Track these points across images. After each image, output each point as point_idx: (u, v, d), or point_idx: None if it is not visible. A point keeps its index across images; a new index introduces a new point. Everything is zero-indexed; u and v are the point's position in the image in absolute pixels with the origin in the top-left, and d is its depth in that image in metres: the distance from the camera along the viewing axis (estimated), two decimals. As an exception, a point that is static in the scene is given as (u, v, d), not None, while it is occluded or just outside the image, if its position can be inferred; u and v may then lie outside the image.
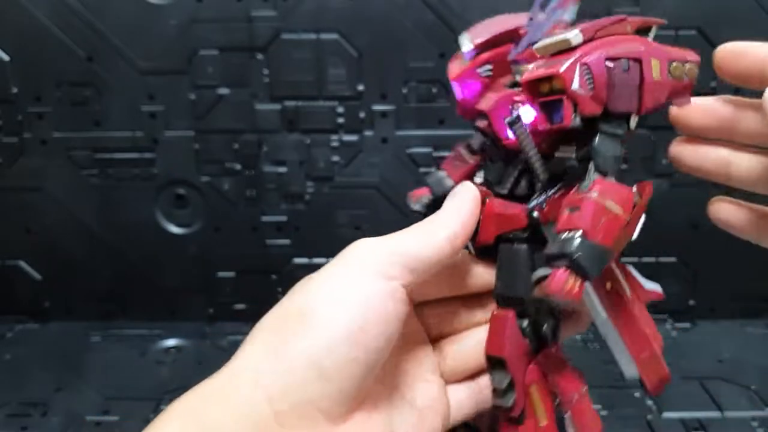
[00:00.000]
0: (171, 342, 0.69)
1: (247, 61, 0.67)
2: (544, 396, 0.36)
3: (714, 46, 0.64)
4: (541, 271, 0.33)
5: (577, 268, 0.30)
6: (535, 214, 0.34)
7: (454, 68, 0.37)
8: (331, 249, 0.34)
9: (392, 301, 0.31)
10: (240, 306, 0.73)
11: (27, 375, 0.63)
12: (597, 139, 0.32)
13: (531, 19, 0.35)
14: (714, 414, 0.55)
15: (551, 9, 0.35)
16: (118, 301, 0.74)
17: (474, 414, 0.37)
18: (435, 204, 0.37)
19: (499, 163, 0.36)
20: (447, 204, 0.34)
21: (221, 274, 0.73)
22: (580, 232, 0.31)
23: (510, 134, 0.34)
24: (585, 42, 0.32)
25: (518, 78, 0.35)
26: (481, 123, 0.36)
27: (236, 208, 0.71)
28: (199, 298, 0.73)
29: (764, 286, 0.71)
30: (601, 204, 0.31)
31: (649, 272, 0.73)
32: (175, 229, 0.72)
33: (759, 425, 0.54)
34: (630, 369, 0.36)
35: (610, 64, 0.32)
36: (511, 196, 0.36)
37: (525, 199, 0.35)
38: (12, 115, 0.69)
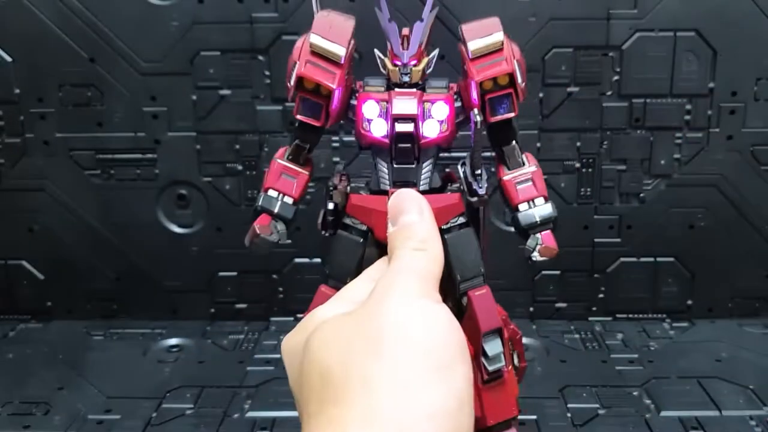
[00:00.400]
0: (172, 341, 0.70)
1: (248, 63, 0.67)
2: (508, 345, 0.41)
3: (712, 47, 0.64)
4: (531, 242, 0.38)
5: (555, 226, 0.38)
6: (486, 196, 0.38)
7: (324, 75, 0.38)
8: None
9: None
10: (241, 305, 0.74)
11: (29, 374, 0.64)
12: (514, 123, 0.39)
13: (389, 21, 0.38)
14: (712, 413, 0.56)
15: (428, 11, 0.39)
16: (120, 301, 0.74)
17: None
18: (288, 228, 0.40)
19: (411, 165, 0.39)
20: (409, 215, 0.34)
21: (222, 273, 0.73)
22: (542, 199, 0.39)
23: (432, 132, 0.38)
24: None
25: (406, 79, 0.38)
26: (405, 126, 0.37)
27: (237, 208, 0.71)
28: (201, 297, 0.74)
29: (762, 285, 0.72)
30: (540, 171, 0.40)
31: (648, 272, 0.74)
32: (176, 229, 0.72)
33: (757, 424, 0.54)
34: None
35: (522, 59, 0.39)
36: (429, 191, 0.39)
37: (440, 190, 0.39)
38: (14, 115, 0.69)
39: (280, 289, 0.73)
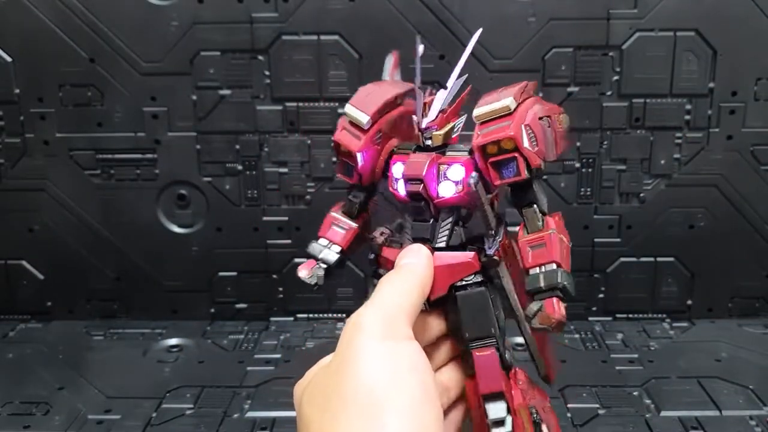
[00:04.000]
0: (173, 341, 0.70)
1: (248, 63, 0.67)
2: (528, 414, 0.40)
3: (712, 47, 0.64)
4: (534, 305, 0.37)
5: (565, 294, 0.36)
6: (496, 257, 0.38)
7: (351, 140, 0.41)
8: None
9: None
10: (241, 305, 0.74)
11: (29, 374, 0.64)
12: (535, 186, 0.38)
13: (419, 88, 0.38)
14: (712, 413, 0.56)
15: (454, 81, 0.39)
16: (120, 301, 0.74)
17: None
18: (329, 271, 0.42)
19: (427, 222, 0.40)
20: (407, 259, 0.37)
21: (222, 273, 0.73)
22: (554, 265, 0.37)
23: (447, 192, 0.39)
24: (518, 106, 0.38)
25: (429, 143, 0.39)
26: (413, 187, 0.39)
27: (238, 208, 0.71)
28: (201, 297, 0.74)
29: (761, 285, 0.72)
30: (559, 237, 0.38)
31: (647, 272, 0.74)
32: (176, 229, 0.72)
33: (756, 424, 0.54)
34: (542, 368, 0.43)
35: (541, 122, 0.38)
36: (447, 248, 0.39)
37: (460, 248, 0.39)
38: (14, 115, 0.69)
39: (280, 289, 0.73)
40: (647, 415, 0.55)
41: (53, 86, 0.68)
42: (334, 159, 0.43)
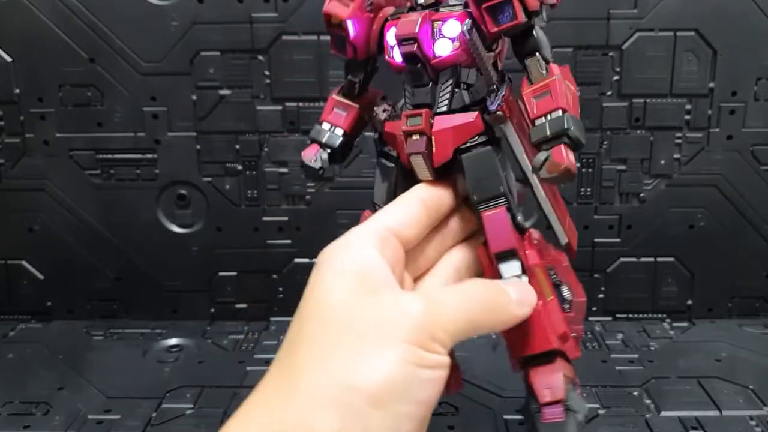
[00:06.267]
0: (173, 341, 0.70)
1: (248, 63, 0.67)
2: (545, 274, 0.38)
3: (712, 47, 0.64)
4: (541, 155, 0.35)
5: (572, 140, 0.34)
6: (499, 112, 0.36)
7: (340, 7, 0.39)
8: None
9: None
10: (241, 305, 0.74)
11: (29, 374, 0.64)
12: (536, 32, 0.36)
13: None
14: (712, 413, 0.55)
15: None
16: (120, 301, 0.74)
17: None
18: (333, 157, 0.41)
19: (426, 87, 0.38)
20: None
21: (223, 273, 0.73)
22: (560, 112, 0.34)
23: (444, 51, 0.37)
24: None
25: (421, 1, 0.37)
26: (407, 47, 0.37)
27: (238, 208, 0.71)
28: (201, 297, 0.74)
29: (762, 285, 0.72)
30: (564, 83, 0.35)
31: (648, 272, 0.74)
32: (176, 229, 0.72)
33: (757, 424, 0.54)
34: (562, 237, 0.40)
35: None
36: (449, 112, 0.37)
37: (463, 110, 0.37)
38: (14, 115, 0.69)
39: (280, 289, 0.73)
40: (647, 415, 0.55)
41: (53, 86, 0.68)
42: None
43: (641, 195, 0.70)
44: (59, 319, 0.74)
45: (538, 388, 0.38)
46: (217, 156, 0.70)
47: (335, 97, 0.43)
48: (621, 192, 0.70)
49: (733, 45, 0.65)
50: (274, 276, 0.73)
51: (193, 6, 0.66)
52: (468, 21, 0.36)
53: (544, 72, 0.36)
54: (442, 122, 0.37)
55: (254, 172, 0.70)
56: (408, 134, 0.37)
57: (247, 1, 0.66)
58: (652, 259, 0.71)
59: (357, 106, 0.42)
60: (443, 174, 0.38)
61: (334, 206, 0.71)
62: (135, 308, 0.74)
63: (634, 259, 0.71)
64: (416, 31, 0.36)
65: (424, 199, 0.37)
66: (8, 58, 0.68)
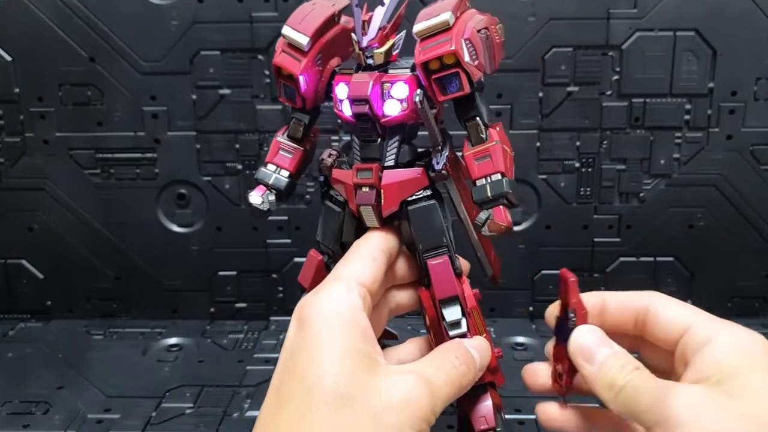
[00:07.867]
0: (172, 340, 0.70)
1: (248, 62, 0.67)
2: (480, 314, 0.42)
3: (712, 47, 0.64)
4: (483, 215, 0.39)
5: (510, 201, 0.38)
6: (444, 171, 0.40)
7: (292, 63, 0.41)
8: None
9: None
10: (241, 305, 0.74)
11: (29, 373, 0.64)
12: (477, 99, 0.40)
13: (356, 6, 0.39)
14: (711, 412, 0.55)
15: None
16: (120, 300, 0.74)
17: None
18: (279, 197, 0.43)
19: (375, 143, 0.41)
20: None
21: (222, 273, 0.73)
22: (499, 175, 0.39)
23: (393, 111, 0.39)
24: (456, 20, 0.38)
25: (370, 62, 0.40)
26: (359, 108, 0.39)
27: (237, 207, 0.71)
28: (201, 296, 0.74)
29: (761, 285, 0.72)
30: (503, 147, 0.39)
31: (647, 272, 0.74)
32: (176, 229, 0.72)
33: (756, 424, 0.54)
34: (488, 269, 0.47)
35: (480, 35, 0.39)
36: (396, 166, 0.41)
37: (408, 166, 0.41)
38: (14, 115, 0.69)
39: (280, 288, 0.73)
40: (647, 415, 0.55)
41: (53, 85, 0.68)
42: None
43: (641, 195, 0.70)
44: (59, 318, 0.74)
45: (474, 417, 0.42)
46: (216, 155, 0.70)
47: (280, 139, 0.44)
48: (621, 192, 0.70)
49: (733, 45, 0.65)
50: (274, 275, 0.73)
51: (193, 5, 0.66)
52: (419, 91, 0.39)
53: (483, 136, 0.40)
54: (390, 176, 0.40)
55: (254, 172, 0.70)
56: (358, 186, 0.40)
57: (247, 0, 0.66)
58: (651, 259, 0.71)
59: (302, 149, 0.44)
60: (388, 221, 0.41)
61: (334, 206, 0.70)
62: (135, 307, 0.74)
63: (633, 259, 0.71)
64: (368, 93, 0.39)
65: (383, 252, 0.40)
66: (8, 57, 0.68)
